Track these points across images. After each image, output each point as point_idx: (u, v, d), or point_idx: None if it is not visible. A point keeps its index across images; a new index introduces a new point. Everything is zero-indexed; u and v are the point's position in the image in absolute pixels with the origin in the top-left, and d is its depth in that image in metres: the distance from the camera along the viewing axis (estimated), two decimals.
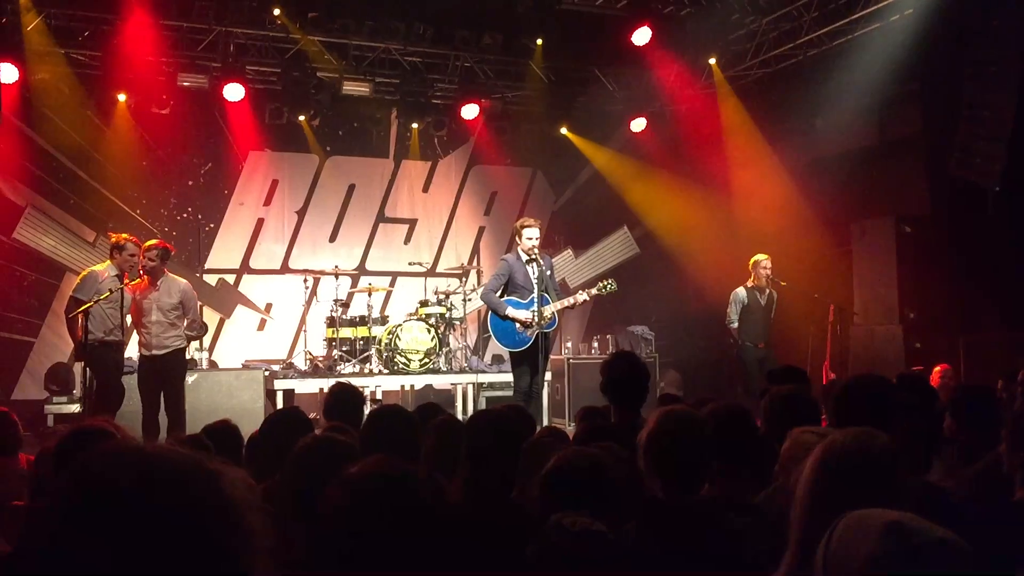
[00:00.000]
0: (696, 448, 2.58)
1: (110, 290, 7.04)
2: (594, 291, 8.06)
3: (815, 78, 10.46)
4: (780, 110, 11.17)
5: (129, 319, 7.49)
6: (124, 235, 7.46)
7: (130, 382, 7.60)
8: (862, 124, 10.47)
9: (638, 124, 12.39)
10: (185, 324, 7.59)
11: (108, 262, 7.38)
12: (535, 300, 7.57)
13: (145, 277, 7.40)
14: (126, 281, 7.23)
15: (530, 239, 7.61)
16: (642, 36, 10.57)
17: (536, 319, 7.50)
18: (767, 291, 9.39)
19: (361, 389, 6.02)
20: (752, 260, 9.42)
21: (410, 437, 3.20)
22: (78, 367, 8.80)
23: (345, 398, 4.49)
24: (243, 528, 1.06)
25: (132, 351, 8.07)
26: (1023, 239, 8.69)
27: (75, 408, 9.58)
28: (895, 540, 1.48)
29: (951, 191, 9.22)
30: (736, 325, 9.35)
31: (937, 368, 7.94)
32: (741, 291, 9.39)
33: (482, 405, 10.22)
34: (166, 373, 7.46)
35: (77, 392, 9.72)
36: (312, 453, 2.77)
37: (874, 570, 1.46)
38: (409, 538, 1.70)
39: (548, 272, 7.75)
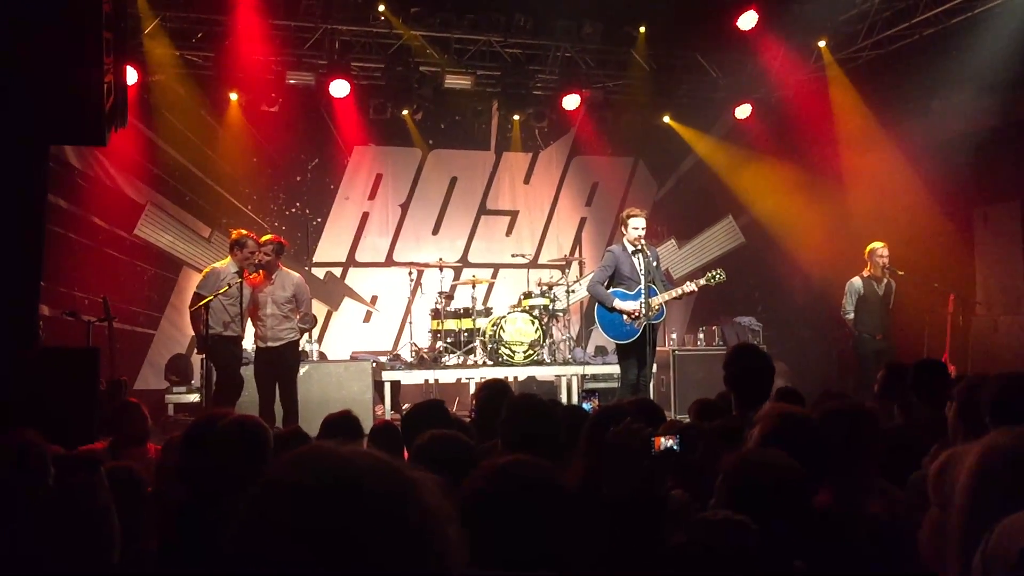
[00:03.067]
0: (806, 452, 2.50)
1: (228, 284, 7.27)
2: (703, 281, 7.92)
3: (931, 58, 10.04)
4: (894, 93, 10.75)
5: (246, 312, 7.71)
6: (244, 231, 7.69)
7: (247, 373, 7.84)
8: (984, 105, 9.99)
9: (743, 111, 12.13)
10: (298, 317, 7.79)
11: (228, 259, 7.61)
12: (642, 291, 7.48)
13: (261, 272, 7.60)
14: (245, 276, 7.45)
15: (636, 229, 7.53)
16: (748, 20, 10.33)
17: (644, 311, 7.41)
18: (884, 280, 9.06)
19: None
20: (868, 248, 9.10)
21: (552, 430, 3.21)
22: (197, 358, 9.12)
23: (494, 393, 4.48)
24: (440, 537, 1.05)
25: (248, 343, 8.31)
26: None
27: (194, 398, 9.95)
28: None
29: None
30: (852, 316, 9.06)
31: None
32: (857, 281, 9.10)
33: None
34: (281, 364, 7.67)
35: (196, 382, 10.08)
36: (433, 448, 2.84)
37: None
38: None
39: (655, 263, 7.66)
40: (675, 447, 2.64)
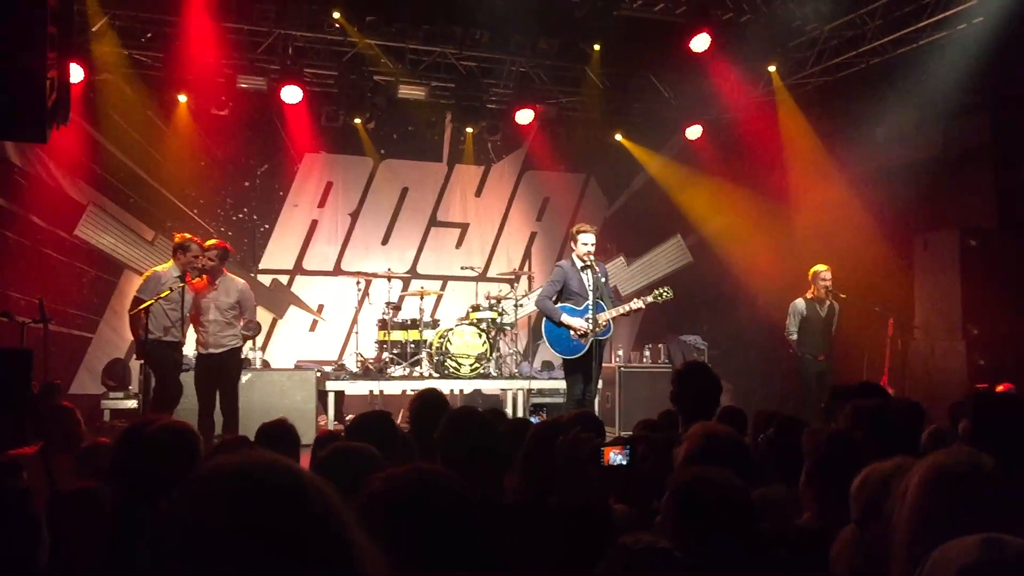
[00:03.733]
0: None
1: (170, 289, 7.12)
2: (650, 298, 7.97)
3: (878, 87, 10.27)
4: (841, 119, 10.98)
5: (187, 318, 7.57)
6: (187, 235, 7.56)
7: (187, 380, 7.69)
8: (926, 134, 10.25)
9: (694, 131, 12.27)
10: (242, 324, 7.66)
11: (171, 262, 7.47)
12: (590, 307, 7.50)
13: (204, 277, 7.47)
14: (188, 280, 7.31)
15: (586, 245, 7.54)
16: (701, 43, 10.44)
17: (592, 327, 7.43)
18: (827, 303, 9.22)
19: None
20: (812, 271, 9.26)
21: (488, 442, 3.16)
22: (135, 363, 8.92)
23: (430, 405, 4.45)
24: (347, 538, 1.12)
25: (189, 349, 8.15)
26: None
27: (131, 404, 9.74)
28: (992, 551, 1.47)
29: (1018, 204, 8.98)
30: (795, 337, 9.20)
31: (1000, 387, 7.70)
32: (800, 303, 9.25)
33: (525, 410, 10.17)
34: (222, 371, 7.54)
35: (134, 388, 9.87)
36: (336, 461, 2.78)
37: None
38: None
39: (603, 279, 7.67)
40: (623, 461, 2.64)
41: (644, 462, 2.63)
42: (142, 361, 7.36)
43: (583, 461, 2.45)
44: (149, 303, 6.97)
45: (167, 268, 7.42)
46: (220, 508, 1.09)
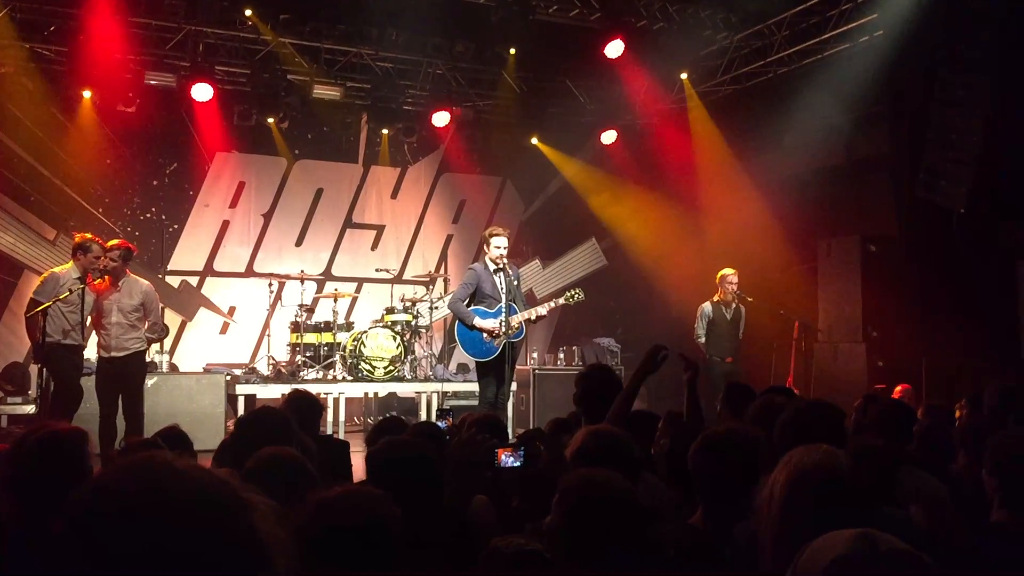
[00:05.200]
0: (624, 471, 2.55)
1: (70, 290, 6.89)
2: (562, 300, 8.03)
3: (785, 96, 10.55)
4: (750, 127, 11.25)
5: (89, 320, 7.34)
6: (88, 235, 7.31)
7: (88, 384, 7.46)
8: (831, 143, 10.57)
9: (608, 136, 12.42)
10: (146, 326, 7.46)
11: (70, 263, 7.22)
12: (502, 310, 7.52)
13: (106, 278, 7.25)
14: (88, 281, 7.08)
15: (498, 248, 7.56)
16: (614, 49, 10.58)
17: (504, 329, 7.45)
18: (734, 306, 9.42)
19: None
20: (719, 274, 9.45)
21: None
22: (34, 368, 8.60)
23: (303, 406, 4.43)
24: (270, 566, 0.97)
25: (91, 352, 7.91)
26: (987, 261, 8.82)
27: (30, 409, 9.38)
28: (864, 545, 1.52)
29: (917, 212, 9.33)
30: (703, 340, 9.37)
31: (898, 388, 7.99)
32: (707, 306, 9.43)
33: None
34: (125, 375, 7.32)
35: (33, 393, 9.51)
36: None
37: (838, 571, 1.48)
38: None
39: (515, 282, 7.70)
40: (516, 463, 2.65)
41: (538, 462, 2.64)
42: (40, 365, 7.10)
43: (477, 463, 2.45)
44: (46, 305, 6.73)
45: (66, 269, 7.18)
46: (115, 529, 0.90)
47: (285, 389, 9.67)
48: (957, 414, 5.58)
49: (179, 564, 0.90)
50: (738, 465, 2.70)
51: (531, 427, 10.32)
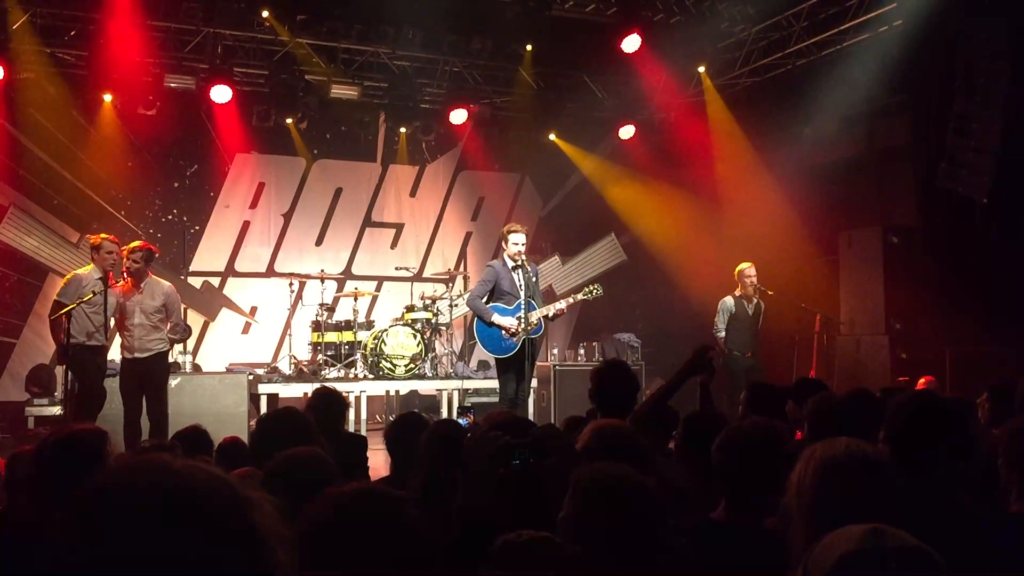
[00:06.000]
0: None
1: (93, 292, 6.96)
2: (580, 296, 8.03)
3: (804, 88, 10.48)
4: (769, 119, 11.18)
5: (112, 321, 7.41)
6: (102, 235, 7.37)
7: (112, 385, 7.53)
8: (851, 134, 10.50)
9: (626, 131, 12.37)
10: (168, 327, 7.52)
11: (91, 265, 7.29)
12: (521, 306, 7.52)
13: (128, 279, 7.32)
14: (111, 282, 7.15)
15: (516, 244, 7.56)
16: (631, 43, 10.55)
17: (523, 326, 7.45)
18: (754, 300, 9.38)
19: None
20: (737, 269, 9.42)
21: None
22: (60, 369, 8.70)
23: (326, 404, 4.47)
24: (270, 563, 0.98)
25: (115, 354, 7.99)
26: (1010, 252, 8.72)
27: (56, 410, 9.48)
28: (872, 541, 1.51)
29: (939, 203, 9.24)
30: (723, 334, 9.33)
31: (922, 380, 7.93)
32: (728, 300, 9.39)
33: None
34: (148, 376, 7.38)
35: (59, 394, 9.62)
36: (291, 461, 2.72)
37: (844, 568, 1.48)
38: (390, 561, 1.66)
39: (534, 278, 7.70)
40: (518, 463, 2.65)
41: (549, 459, 2.64)
42: (64, 367, 7.18)
43: (491, 460, 2.46)
44: (71, 307, 6.80)
45: (88, 271, 7.25)
46: (104, 532, 0.91)
47: (307, 388, 9.75)
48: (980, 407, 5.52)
49: (171, 564, 0.91)
50: (763, 460, 2.69)
51: (553, 422, 10.34)
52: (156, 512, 0.93)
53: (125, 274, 7.30)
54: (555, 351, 11.62)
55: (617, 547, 2.20)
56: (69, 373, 7.08)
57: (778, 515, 2.64)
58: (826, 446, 2.15)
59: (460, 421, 5.67)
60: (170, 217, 11.52)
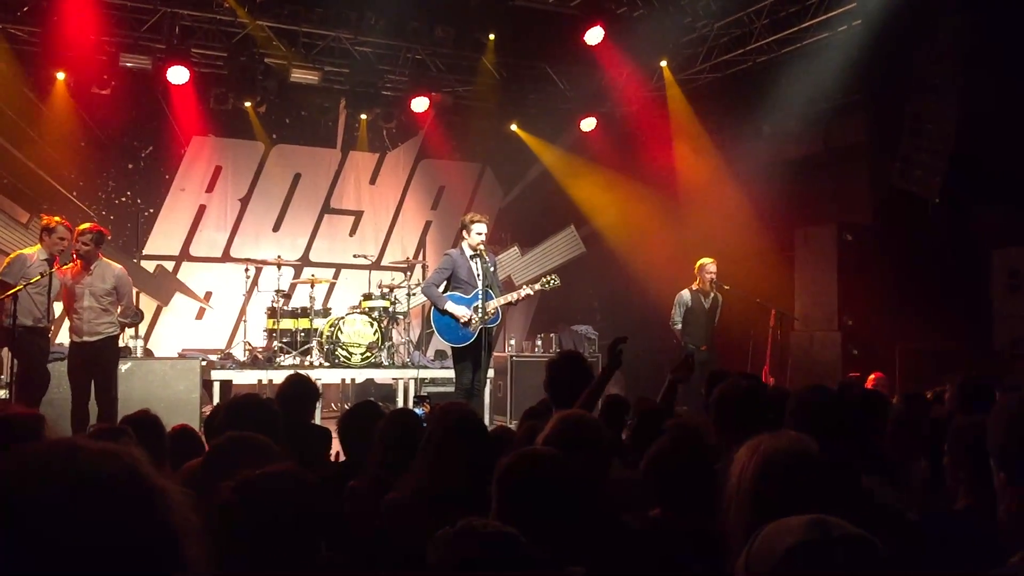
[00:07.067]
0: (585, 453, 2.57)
1: (40, 274, 6.81)
2: (537, 286, 8.00)
3: (764, 84, 10.56)
4: (729, 115, 11.26)
5: (60, 305, 7.26)
6: (56, 218, 7.22)
7: (60, 368, 7.39)
8: (809, 132, 10.60)
9: (588, 123, 12.39)
10: (119, 311, 7.38)
11: (38, 245, 7.14)
12: (479, 295, 7.49)
13: (78, 261, 7.17)
14: (56, 266, 6.99)
15: (479, 234, 7.53)
16: (594, 36, 10.57)
17: (478, 316, 7.43)
18: (711, 294, 9.46)
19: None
20: (698, 264, 9.48)
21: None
22: (4, 352, 8.51)
23: (297, 394, 4.41)
24: (177, 557, 0.96)
25: (63, 337, 7.83)
26: (962, 251, 8.87)
27: (2, 394, 9.28)
28: (817, 532, 1.51)
29: (892, 201, 9.36)
30: (680, 327, 9.41)
31: (872, 376, 8.04)
32: (685, 293, 9.46)
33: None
34: (97, 360, 7.24)
35: (5, 377, 9.41)
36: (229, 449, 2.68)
37: (792, 561, 1.48)
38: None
39: (492, 268, 7.68)
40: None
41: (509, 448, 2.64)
42: (8, 349, 7.02)
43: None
44: (17, 288, 6.65)
45: (34, 251, 7.09)
46: (10, 520, 0.90)
47: (262, 375, 9.68)
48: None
49: (71, 555, 0.88)
50: (695, 459, 2.71)
51: (508, 413, 10.36)
52: (57, 501, 0.91)
53: (74, 256, 7.15)
54: (512, 342, 11.63)
55: (544, 532, 2.16)
56: (12, 356, 6.94)
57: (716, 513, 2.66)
58: (770, 440, 2.16)
59: (416, 410, 5.65)
60: (124, 199, 11.32)
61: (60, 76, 10.30)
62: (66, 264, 7.12)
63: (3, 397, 8.87)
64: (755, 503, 2.08)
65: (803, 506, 1.83)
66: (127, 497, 0.95)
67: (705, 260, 9.47)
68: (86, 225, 7.30)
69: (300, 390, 4.52)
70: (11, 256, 7.21)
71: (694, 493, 2.62)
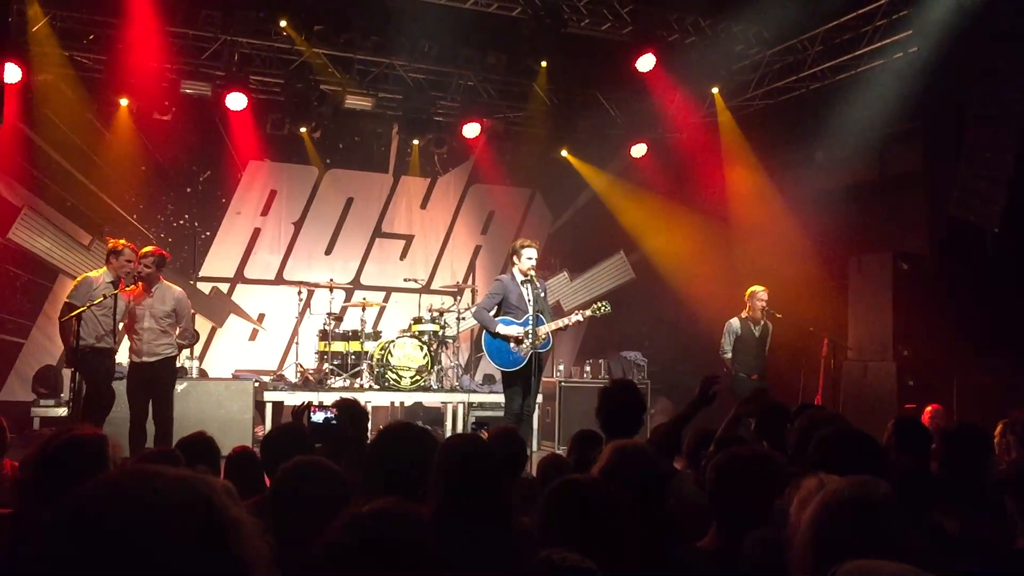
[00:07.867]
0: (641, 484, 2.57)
1: (104, 296, 6.99)
2: (588, 312, 8.00)
3: (817, 111, 10.50)
4: (781, 142, 11.20)
5: (121, 325, 7.43)
6: (122, 241, 7.43)
7: (119, 388, 7.55)
8: (863, 159, 10.50)
9: (639, 150, 12.40)
10: (177, 332, 7.55)
11: (104, 268, 7.33)
12: (529, 320, 7.51)
13: (140, 284, 7.34)
14: (121, 287, 7.18)
15: (530, 259, 7.57)
16: (646, 63, 10.60)
17: (530, 338, 7.44)
18: (762, 322, 9.37)
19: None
20: (748, 291, 9.40)
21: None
22: (67, 371, 8.73)
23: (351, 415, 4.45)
24: (241, 546, 0.99)
25: (123, 357, 8.01)
26: (1020, 281, 8.70)
27: (62, 412, 9.51)
28: None
29: (950, 230, 9.23)
30: (730, 356, 9.32)
31: (928, 408, 7.89)
32: (735, 322, 9.38)
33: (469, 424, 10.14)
34: (156, 381, 7.40)
35: (65, 396, 9.64)
36: (299, 474, 2.70)
37: None
38: None
39: (543, 293, 7.70)
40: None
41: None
42: (73, 368, 7.20)
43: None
44: (81, 310, 6.83)
45: (100, 274, 7.28)
46: (80, 550, 0.92)
47: (312, 397, 9.76)
48: (997, 438, 5.46)
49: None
50: (756, 485, 2.70)
51: (556, 439, 10.34)
52: (132, 529, 0.94)
53: (136, 278, 7.32)
54: (561, 367, 11.63)
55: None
56: (77, 375, 7.12)
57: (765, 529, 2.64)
58: (841, 481, 2.15)
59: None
60: (182, 222, 11.56)
61: (123, 102, 10.59)
62: (129, 286, 7.30)
63: (65, 415, 9.10)
64: (813, 543, 2.07)
65: (861, 549, 1.83)
66: (201, 528, 0.97)
67: (756, 288, 9.39)
68: (149, 248, 7.48)
69: (350, 413, 4.54)
70: (78, 279, 7.41)
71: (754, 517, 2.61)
